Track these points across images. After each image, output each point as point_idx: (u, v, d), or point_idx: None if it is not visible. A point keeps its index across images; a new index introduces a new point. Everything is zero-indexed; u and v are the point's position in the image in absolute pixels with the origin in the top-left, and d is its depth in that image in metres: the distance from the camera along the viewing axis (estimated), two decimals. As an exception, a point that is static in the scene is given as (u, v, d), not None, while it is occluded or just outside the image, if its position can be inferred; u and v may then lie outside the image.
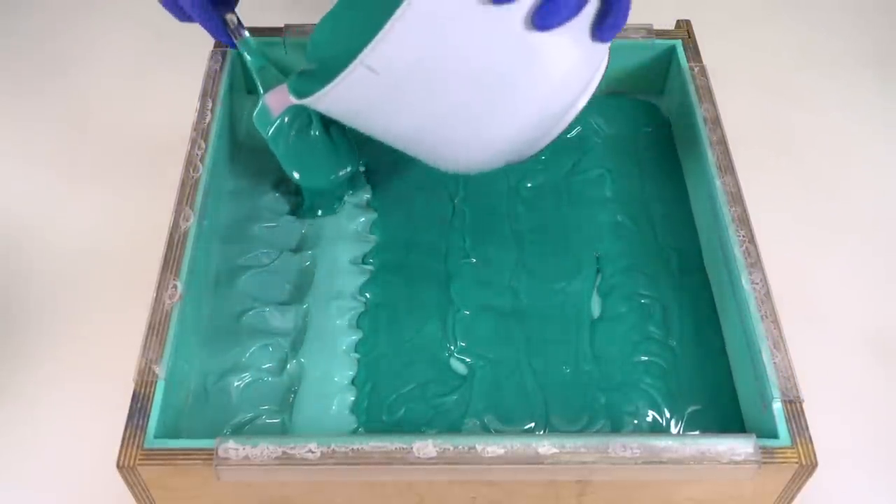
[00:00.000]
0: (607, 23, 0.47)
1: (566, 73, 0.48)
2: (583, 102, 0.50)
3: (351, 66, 0.44)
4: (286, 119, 0.59)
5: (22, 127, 0.75)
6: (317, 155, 0.60)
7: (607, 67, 0.51)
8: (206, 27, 0.58)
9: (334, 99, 0.46)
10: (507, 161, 0.51)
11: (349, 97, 0.46)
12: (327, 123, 0.60)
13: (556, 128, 0.50)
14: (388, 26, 0.42)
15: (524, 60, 0.46)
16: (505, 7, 0.44)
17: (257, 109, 0.59)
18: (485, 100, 0.47)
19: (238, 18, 0.60)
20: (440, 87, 0.46)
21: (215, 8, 0.58)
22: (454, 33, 0.44)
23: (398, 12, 0.42)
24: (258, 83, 0.60)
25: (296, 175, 0.60)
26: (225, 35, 0.59)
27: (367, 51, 0.43)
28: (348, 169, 0.61)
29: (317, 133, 0.60)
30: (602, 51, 0.49)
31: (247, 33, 0.60)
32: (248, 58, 0.60)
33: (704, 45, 0.67)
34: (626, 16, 0.47)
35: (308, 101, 0.48)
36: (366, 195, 0.63)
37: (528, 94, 0.47)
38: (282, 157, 0.60)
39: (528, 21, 0.45)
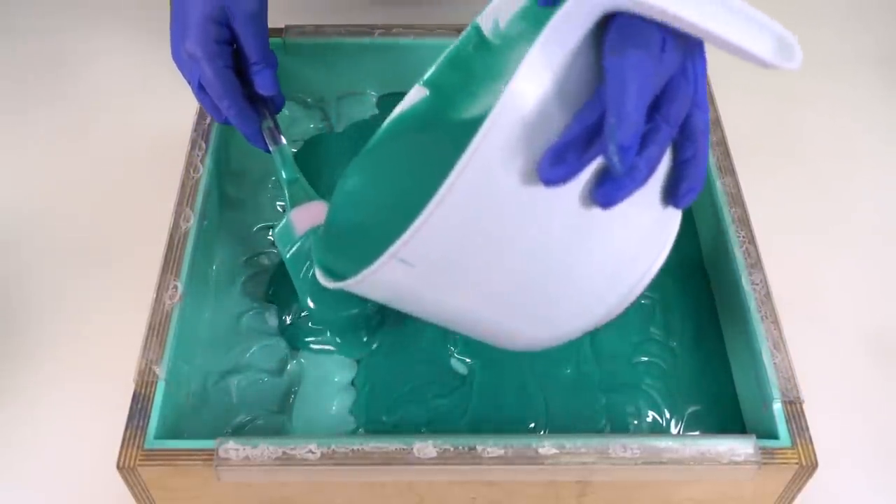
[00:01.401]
0: (682, 188, 0.40)
1: (635, 246, 0.42)
2: (657, 267, 0.44)
3: (382, 259, 0.38)
4: (309, 240, 0.54)
5: (23, 127, 0.75)
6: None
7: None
8: (242, 131, 0.56)
9: (365, 288, 0.41)
10: (579, 334, 0.44)
11: (383, 286, 0.41)
12: None
13: (627, 298, 0.43)
14: (422, 218, 0.36)
15: (584, 241, 0.40)
16: (558, 187, 0.37)
17: (281, 224, 0.55)
18: (542, 286, 0.41)
19: (276, 124, 0.57)
20: (487, 276, 0.40)
21: (254, 111, 0.56)
22: (500, 218, 0.38)
23: (433, 203, 0.36)
24: (287, 196, 0.57)
25: (309, 303, 0.54)
26: (261, 141, 0.57)
27: (398, 244, 0.37)
28: (366, 306, 0.54)
29: None
30: (669, 213, 0.43)
31: (283, 140, 0.57)
32: (280, 168, 0.57)
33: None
34: (703, 178, 0.41)
35: (341, 285, 0.42)
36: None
37: (591, 275, 0.41)
38: (297, 282, 0.54)
39: (586, 198, 0.38)
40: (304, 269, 0.54)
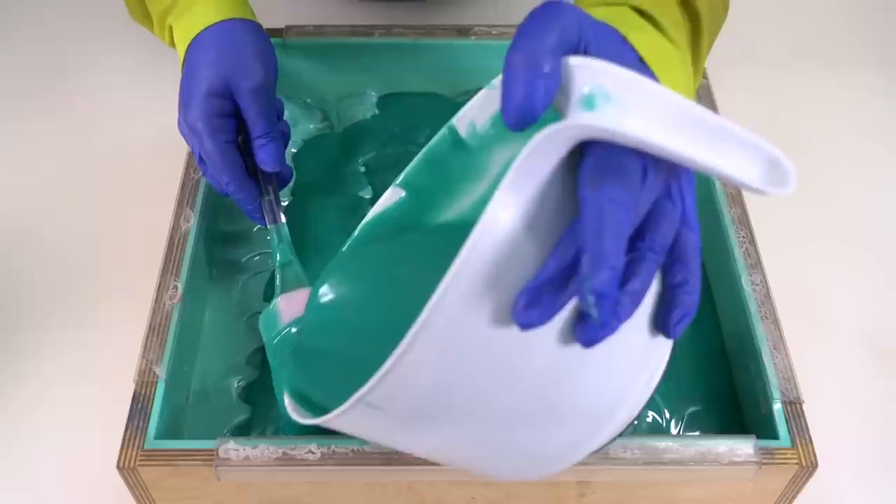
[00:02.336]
0: (674, 316, 0.37)
1: (622, 379, 0.38)
2: (646, 398, 0.39)
3: (348, 403, 0.35)
4: (293, 330, 0.51)
5: (23, 128, 0.75)
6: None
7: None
8: (240, 206, 0.55)
9: (335, 426, 0.39)
10: (573, 462, 0.40)
11: (352, 426, 0.39)
12: None
13: (615, 433, 0.40)
14: (387, 365, 0.34)
15: (566, 382, 0.37)
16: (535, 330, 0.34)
17: (268, 309, 0.52)
18: (521, 429, 0.38)
19: (277, 200, 0.55)
20: (461, 421, 0.37)
21: (255, 186, 0.55)
22: (472, 364, 0.35)
23: (399, 350, 0.34)
24: (277, 279, 0.54)
25: (286, 401, 0.45)
26: (260, 217, 0.55)
27: (364, 389, 0.35)
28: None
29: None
30: (658, 342, 0.39)
31: (283, 219, 0.55)
32: (275, 249, 0.55)
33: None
34: (695, 298, 0.37)
35: (309, 421, 0.40)
36: (366, 195, 0.63)
37: (574, 415, 0.38)
38: (276, 372, 0.51)
39: (567, 336, 0.35)
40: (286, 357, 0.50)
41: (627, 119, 0.32)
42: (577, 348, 0.34)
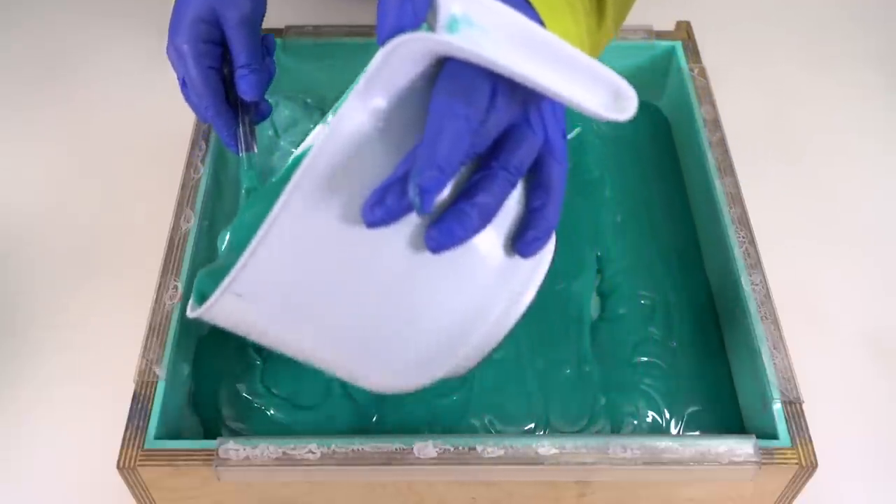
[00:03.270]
0: (528, 236, 0.39)
1: (481, 296, 0.40)
2: (511, 320, 0.41)
3: (216, 293, 0.38)
4: None
5: (23, 127, 0.75)
6: None
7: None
8: (217, 131, 0.56)
9: (213, 318, 0.41)
10: (431, 381, 0.43)
11: (226, 319, 0.41)
12: None
13: (480, 349, 0.42)
14: (246, 254, 0.37)
15: (419, 287, 0.38)
16: (381, 230, 0.36)
17: (223, 232, 0.51)
18: (377, 331, 0.40)
19: (252, 131, 0.56)
20: (319, 316, 0.39)
21: (233, 115, 0.56)
22: (325, 259, 0.37)
23: (255, 239, 0.36)
24: (241, 205, 0.55)
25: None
26: (234, 144, 0.56)
27: (228, 279, 0.37)
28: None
29: None
30: (533, 259, 0.40)
31: (255, 149, 0.56)
32: (243, 175, 0.56)
33: (704, 46, 0.67)
34: (552, 222, 0.39)
35: (192, 314, 0.42)
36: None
37: (429, 324, 0.39)
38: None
39: (419, 239, 0.37)
40: None
41: (481, 41, 0.35)
42: (430, 258, 0.36)
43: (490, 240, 0.39)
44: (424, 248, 0.36)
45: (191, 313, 0.42)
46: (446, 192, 0.37)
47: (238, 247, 0.46)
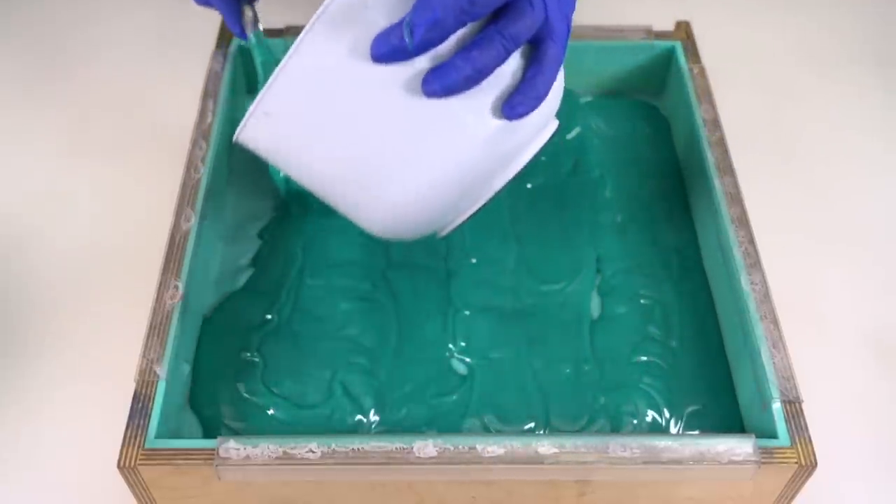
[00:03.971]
0: (514, 99, 0.44)
1: (473, 145, 0.44)
2: (512, 171, 0.46)
3: (250, 110, 0.44)
4: None
5: (23, 127, 0.75)
6: None
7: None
8: (222, 13, 0.56)
9: (248, 139, 0.46)
10: (427, 230, 0.48)
11: (257, 139, 0.46)
12: None
13: (476, 200, 0.47)
14: (275, 74, 0.43)
15: (417, 127, 0.43)
16: (397, 67, 0.42)
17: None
18: (378, 160, 0.44)
19: (255, 12, 0.58)
20: (331, 142, 0.45)
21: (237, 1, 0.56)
22: (339, 85, 0.43)
23: (283, 61, 0.42)
24: (260, 78, 0.58)
25: (281, 175, 0.59)
26: (238, 25, 0.57)
27: (260, 96, 0.43)
28: None
29: None
30: (530, 125, 0.45)
31: (261, 27, 0.58)
32: (255, 51, 0.58)
33: (704, 46, 0.67)
34: (540, 92, 0.44)
35: (236, 139, 0.47)
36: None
37: (420, 163, 0.44)
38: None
39: (415, 86, 0.43)
40: None
41: None
42: (429, 106, 0.42)
43: (486, 102, 0.44)
44: (417, 95, 0.42)
45: (236, 139, 0.47)
46: (447, 51, 0.42)
47: None
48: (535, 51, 0.44)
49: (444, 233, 0.49)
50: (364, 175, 0.45)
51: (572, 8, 0.47)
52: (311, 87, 0.43)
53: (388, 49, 0.41)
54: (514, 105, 0.43)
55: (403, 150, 0.44)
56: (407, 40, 0.41)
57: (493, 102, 0.44)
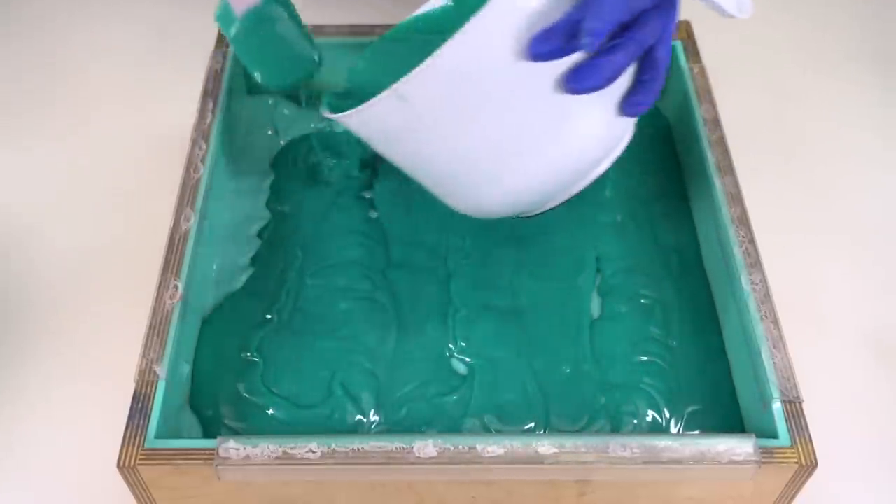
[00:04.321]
0: (634, 99, 0.49)
1: (587, 138, 0.49)
2: (600, 171, 0.52)
3: (385, 92, 0.46)
4: (248, 19, 0.57)
5: (22, 127, 0.75)
6: (278, 56, 0.59)
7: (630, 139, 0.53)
8: None
9: (366, 119, 0.48)
10: (518, 212, 0.53)
11: (378, 121, 0.48)
12: (285, 28, 0.59)
13: (569, 189, 0.52)
14: (427, 61, 0.44)
15: (548, 118, 0.48)
16: (542, 65, 0.45)
17: (219, 8, 0.57)
18: (504, 148, 0.48)
19: None
20: (464, 129, 0.48)
21: None
22: (487, 81, 0.46)
23: (441, 50, 0.44)
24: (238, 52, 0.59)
25: (257, 75, 0.59)
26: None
27: (402, 80, 0.45)
28: (309, 72, 0.60)
29: (277, 34, 0.59)
30: (628, 123, 0.51)
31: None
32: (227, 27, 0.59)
33: (704, 46, 0.67)
34: (654, 96, 0.49)
35: (341, 118, 0.49)
36: (366, 193, 0.63)
37: (546, 152, 0.49)
38: (243, 57, 0.59)
39: (560, 82, 0.46)
40: (249, 45, 0.58)
41: None
42: (558, 101, 0.47)
43: (603, 100, 0.48)
44: (558, 92, 0.46)
45: (337, 115, 0.50)
46: (584, 53, 0.46)
47: (363, 73, 0.59)
48: (650, 54, 0.49)
49: (530, 215, 0.54)
50: (487, 161, 0.49)
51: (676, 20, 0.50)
52: (456, 78, 0.45)
53: (549, 49, 0.45)
54: (634, 104, 0.49)
55: (530, 139, 0.48)
56: (584, 41, 0.44)
57: (610, 100, 0.49)
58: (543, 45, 0.45)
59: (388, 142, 0.51)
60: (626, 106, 0.49)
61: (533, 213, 0.54)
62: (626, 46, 0.46)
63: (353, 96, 0.53)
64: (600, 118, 0.49)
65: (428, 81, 0.45)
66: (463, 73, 0.45)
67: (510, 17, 0.45)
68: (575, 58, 0.46)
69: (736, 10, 0.49)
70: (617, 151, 0.52)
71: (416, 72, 0.45)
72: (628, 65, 0.47)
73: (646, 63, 0.49)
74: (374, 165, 0.65)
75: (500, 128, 0.48)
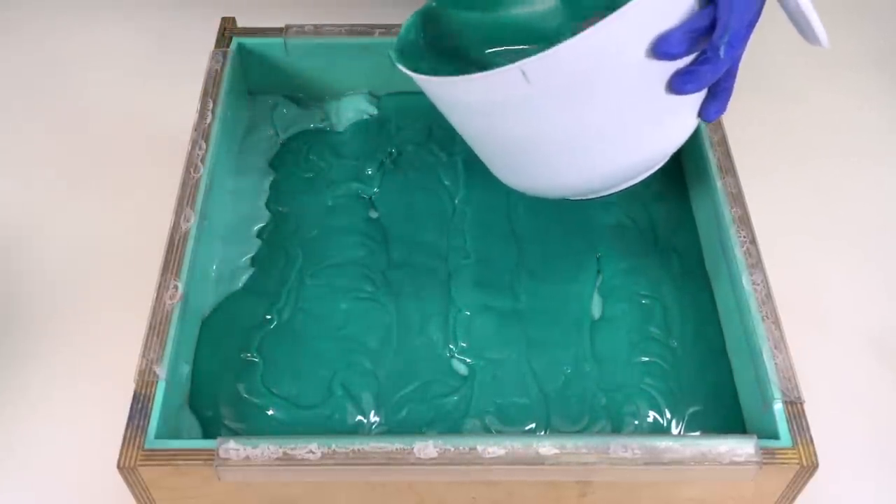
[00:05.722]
0: (713, 107, 0.52)
1: (668, 135, 0.52)
2: (661, 163, 0.54)
3: (509, 67, 0.46)
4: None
5: (23, 127, 0.75)
6: None
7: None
8: None
9: (475, 87, 0.49)
10: (580, 195, 0.56)
11: (483, 94, 0.49)
12: None
13: (636, 177, 0.54)
14: (558, 47, 0.45)
15: (644, 113, 0.50)
16: (657, 63, 0.48)
17: None
18: (598, 137, 0.50)
19: None
20: (569, 115, 0.49)
21: None
22: (607, 75, 0.47)
23: (576, 38, 0.45)
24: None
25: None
26: None
27: (532, 59, 0.46)
28: None
29: None
30: (694, 125, 0.54)
31: None
32: None
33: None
34: (729, 100, 0.53)
35: (444, 82, 0.50)
36: (366, 194, 0.63)
37: (634, 143, 0.51)
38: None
39: (665, 82, 0.49)
40: None
41: None
42: (657, 97, 0.49)
43: (690, 102, 0.51)
44: (660, 89, 0.49)
45: (449, 78, 0.50)
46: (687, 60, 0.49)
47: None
48: (733, 65, 0.51)
49: (586, 197, 0.56)
50: (577, 147, 0.51)
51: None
52: (583, 66, 0.47)
53: (678, 51, 0.47)
54: (714, 111, 0.52)
55: (624, 130, 0.50)
56: (719, 54, 0.48)
57: (694, 103, 0.52)
58: (675, 46, 0.47)
59: (474, 114, 0.51)
60: (706, 112, 0.52)
61: (586, 197, 0.56)
62: (721, 54, 0.48)
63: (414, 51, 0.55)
64: (683, 118, 0.52)
65: (557, 65, 0.46)
66: (588, 65, 0.46)
67: (642, 17, 0.46)
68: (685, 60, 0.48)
69: (825, 40, 0.55)
70: (674, 148, 0.54)
71: (548, 55, 0.45)
72: (721, 74, 0.49)
73: (727, 74, 0.51)
74: (374, 166, 0.65)
75: (601, 117, 0.49)
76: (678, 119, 0.52)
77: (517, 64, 0.46)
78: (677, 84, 0.49)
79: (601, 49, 0.46)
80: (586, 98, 0.48)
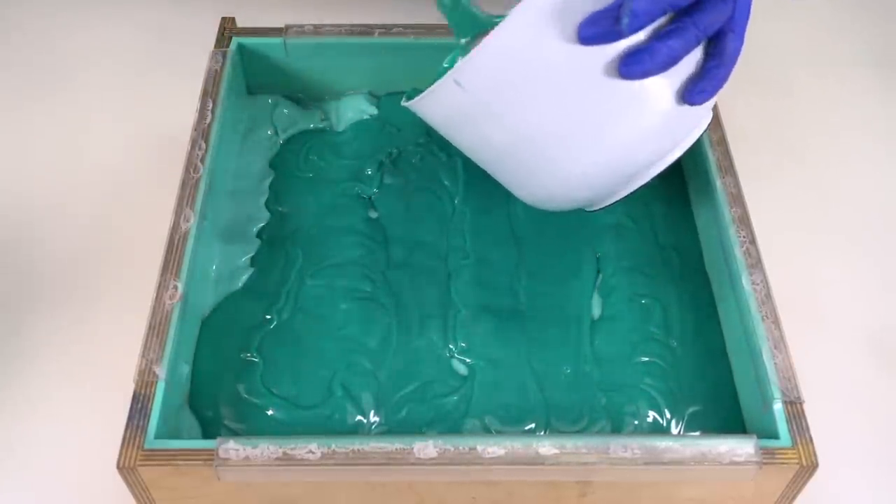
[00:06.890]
0: (698, 87, 0.47)
1: (648, 128, 0.48)
2: (667, 162, 0.50)
3: (441, 80, 0.47)
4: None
5: (22, 127, 0.75)
6: None
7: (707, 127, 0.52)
8: None
9: (428, 106, 0.50)
10: (581, 204, 0.53)
11: (440, 109, 0.50)
12: None
13: (635, 180, 0.51)
14: (477, 47, 0.46)
15: (606, 106, 0.47)
16: (593, 50, 0.45)
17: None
18: (561, 136, 0.48)
19: None
20: (522, 115, 0.48)
21: None
22: (540, 65, 0.46)
23: (490, 36, 0.45)
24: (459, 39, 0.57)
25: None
26: None
27: (457, 66, 0.46)
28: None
29: None
30: (696, 113, 0.49)
31: None
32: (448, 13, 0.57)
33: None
34: (720, 83, 0.48)
35: (410, 105, 0.51)
36: (365, 194, 0.63)
37: (604, 140, 0.48)
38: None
39: (614, 68, 0.46)
40: None
41: None
42: (616, 88, 0.46)
43: (665, 87, 0.47)
44: (614, 78, 0.45)
45: (408, 102, 0.51)
46: (644, 37, 0.45)
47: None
48: (718, 43, 0.48)
49: (595, 209, 0.54)
50: (546, 148, 0.49)
51: (750, 6, 0.49)
52: (509, 63, 0.46)
53: (597, 32, 0.44)
54: (697, 92, 0.47)
55: (588, 127, 0.48)
56: (624, 21, 0.43)
57: (674, 88, 0.47)
58: (591, 28, 0.44)
59: (452, 127, 0.52)
60: (688, 94, 0.47)
61: (599, 207, 0.53)
62: (684, 31, 0.45)
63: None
64: (661, 107, 0.48)
65: (481, 67, 0.46)
66: (514, 58, 0.46)
67: (549, 4, 0.45)
68: (631, 43, 0.45)
69: None
70: (689, 141, 0.51)
71: (468, 58, 0.46)
72: (686, 51, 0.45)
73: (712, 51, 0.48)
74: (374, 166, 0.65)
75: (557, 115, 0.48)
76: (657, 109, 0.48)
77: (447, 75, 0.47)
78: (620, 68, 0.45)
79: (520, 44, 0.45)
80: (529, 98, 0.47)
